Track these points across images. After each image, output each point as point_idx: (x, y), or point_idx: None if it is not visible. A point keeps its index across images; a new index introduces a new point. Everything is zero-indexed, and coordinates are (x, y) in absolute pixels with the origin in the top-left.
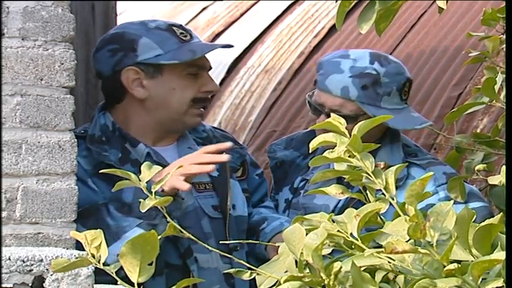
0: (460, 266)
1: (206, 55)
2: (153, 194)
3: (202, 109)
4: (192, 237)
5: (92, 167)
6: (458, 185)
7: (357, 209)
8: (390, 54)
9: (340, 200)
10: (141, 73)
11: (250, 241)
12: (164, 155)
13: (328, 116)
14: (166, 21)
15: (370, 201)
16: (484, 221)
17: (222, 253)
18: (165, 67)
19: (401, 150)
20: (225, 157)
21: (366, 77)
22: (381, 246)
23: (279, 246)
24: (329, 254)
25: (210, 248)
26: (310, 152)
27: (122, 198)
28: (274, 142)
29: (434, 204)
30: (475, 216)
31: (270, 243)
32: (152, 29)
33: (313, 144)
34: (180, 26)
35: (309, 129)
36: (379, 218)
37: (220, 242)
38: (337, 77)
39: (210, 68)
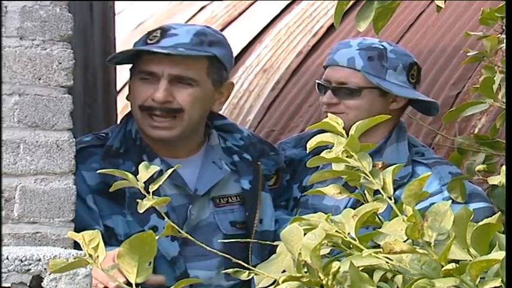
0: (458, 266)
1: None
2: (151, 194)
3: (161, 121)
4: (192, 237)
5: (96, 183)
6: (458, 185)
7: None
8: None
9: (349, 200)
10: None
11: (247, 240)
12: (183, 168)
13: (334, 91)
14: (163, 25)
15: (368, 201)
16: None
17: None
18: (132, 72)
19: (407, 149)
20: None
21: (372, 49)
22: (379, 246)
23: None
24: (328, 253)
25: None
26: (308, 151)
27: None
28: (283, 140)
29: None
30: (472, 215)
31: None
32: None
33: (311, 144)
34: (164, 29)
35: (306, 129)
36: (377, 218)
37: (219, 241)
38: (345, 50)
39: (178, 76)
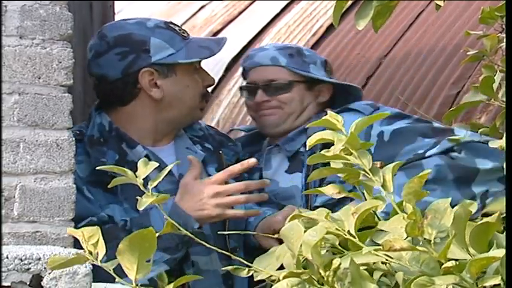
0: (457, 263)
1: None
2: (150, 191)
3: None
4: (192, 236)
5: (87, 174)
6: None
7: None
8: (388, 52)
9: (302, 178)
10: (155, 73)
11: (238, 232)
12: (162, 156)
13: (264, 89)
14: (159, 20)
15: (366, 199)
16: None
17: (223, 252)
18: (178, 66)
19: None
20: (265, 196)
21: (289, 48)
22: (378, 245)
23: (268, 234)
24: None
25: (213, 248)
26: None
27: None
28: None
29: (382, 131)
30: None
31: (258, 234)
32: (154, 28)
33: (311, 141)
34: (173, 23)
35: (307, 126)
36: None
37: (218, 232)
38: (263, 52)
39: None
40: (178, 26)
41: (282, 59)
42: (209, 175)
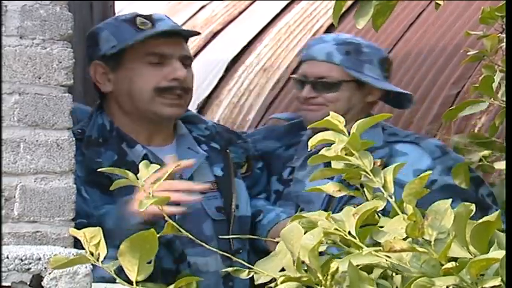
0: (457, 264)
1: (177, 43)
2: (151, 192)
3: (175, 99)
4: (192, 237)
5: (85, 174)
6: (463, 172)
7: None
8: (389, 52)
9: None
10: (106, 67)
11: (249, 236)
12: (161, 156)
13: (313, 85)
14: (135, 13)
15: (368, 200)
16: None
17: (223, 254)
18: (124, 59)
19: (382, 133)
20: (197, 198)
21: (348, 44)
22: (378, 244)
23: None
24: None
25: (213, 249)
26: (310, 148)
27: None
28: (247, 133)
29: (436, 180)
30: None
31: (269, 238)
32: (117, 21)
33: (312, 142)
34: (146, 16)
35: (308, 127)
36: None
37: (220, 237)
38: (321, 45)
39: (186, 56)
40: (147, 18)
41: (337, 55)
42: (215, 175)
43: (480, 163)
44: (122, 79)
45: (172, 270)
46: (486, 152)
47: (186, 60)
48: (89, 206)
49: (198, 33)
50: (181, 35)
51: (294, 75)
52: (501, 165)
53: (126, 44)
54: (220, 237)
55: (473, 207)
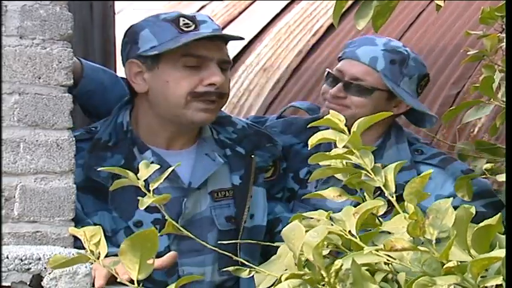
0: (459, 264)
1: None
2: (152, 192)
3: (210, 104)
4: (193, 236)
5: (82, 179)
6: (465, 184)
7: None
8: None
9: (352, 203)
10: (142, 66)
11: (258, 242)
12: (172, 161)
13: (345, 85)
14: (179, 13)
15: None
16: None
17: (222, 266)
18: (162, 59)
19: (408, 149)
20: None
21: (396, 53)
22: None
23: None
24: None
25: (213, 249)
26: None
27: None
28: (268, 125)
29: (458, 207)
30: (473, 215)
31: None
32: (158, 20)
33: (312, 141)
34: (190, 17)
35: (308, 126)
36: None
37: (220, 242)
38: (369, 47)
39: (224, 60)
40: (190, 19)
41: (382, 62)
42: (233, 183)
43: (483, 176)
44: (157, 80)
45: (163, 282)
46: (488, 165)
47: (224, 65)
48: (82, 213)
49: (242, 38)
50: (223, 38)
51: (329, 69)
52: (503, 177)
53: (168, 48)
54: (219, 242)
55: (473, 210)
